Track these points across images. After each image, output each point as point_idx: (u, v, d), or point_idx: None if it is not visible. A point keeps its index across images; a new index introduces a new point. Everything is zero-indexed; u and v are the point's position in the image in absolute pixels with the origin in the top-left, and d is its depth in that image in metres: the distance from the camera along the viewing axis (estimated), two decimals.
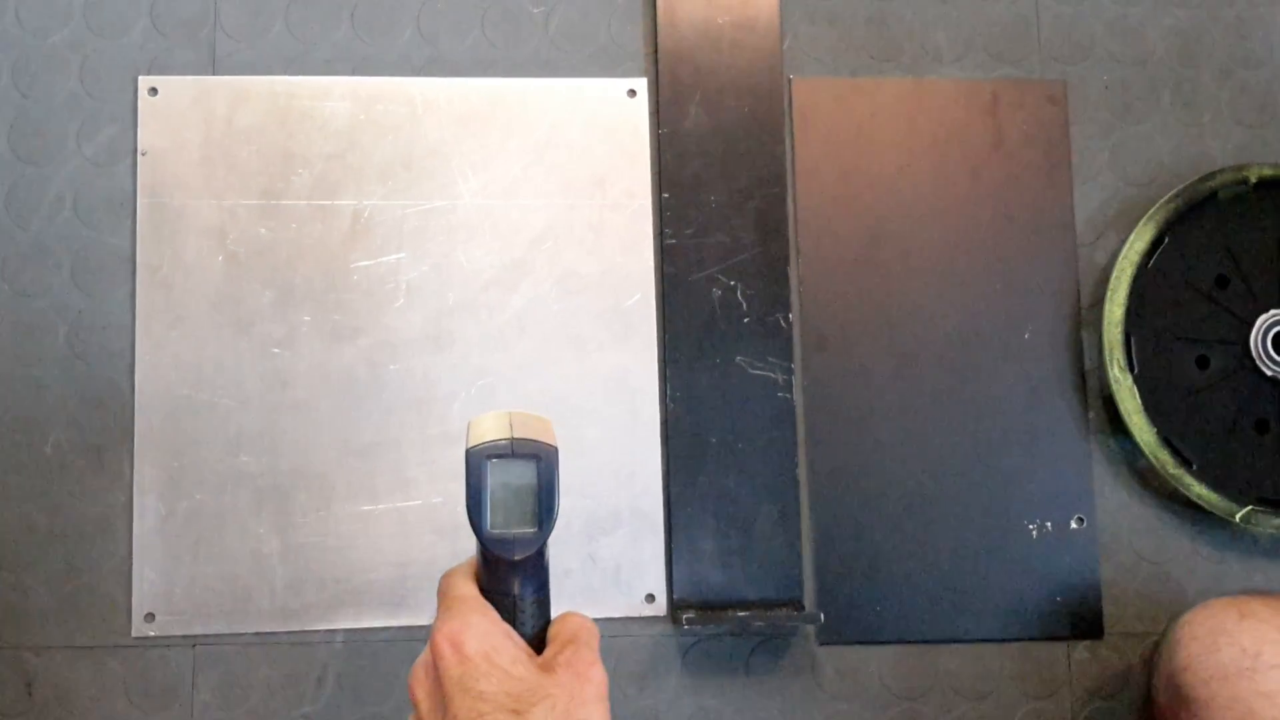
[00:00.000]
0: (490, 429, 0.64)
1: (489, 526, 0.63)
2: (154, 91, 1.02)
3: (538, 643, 0.65)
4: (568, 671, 0.62)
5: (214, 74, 1.03)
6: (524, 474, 0.64)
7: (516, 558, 0.64)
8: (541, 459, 0.64)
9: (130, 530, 0.97)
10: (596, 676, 0.63)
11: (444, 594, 0.65)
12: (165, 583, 0.97)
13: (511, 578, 0.64)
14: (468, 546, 0.93)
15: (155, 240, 1.01)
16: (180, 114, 1.02)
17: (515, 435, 0.64)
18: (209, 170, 1.02)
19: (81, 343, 1.00)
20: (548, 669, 0.63)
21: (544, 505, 0.64)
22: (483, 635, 0.62)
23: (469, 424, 0.65)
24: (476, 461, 0.63)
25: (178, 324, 1.00)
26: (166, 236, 1.01)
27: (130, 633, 0.97)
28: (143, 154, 1.01)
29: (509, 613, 0.65)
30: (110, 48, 1.03)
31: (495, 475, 0.63)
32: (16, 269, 1.00)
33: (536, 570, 0.65)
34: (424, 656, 0.63)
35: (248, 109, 1.02)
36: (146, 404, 0.99)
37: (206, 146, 1.02)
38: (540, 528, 0.64)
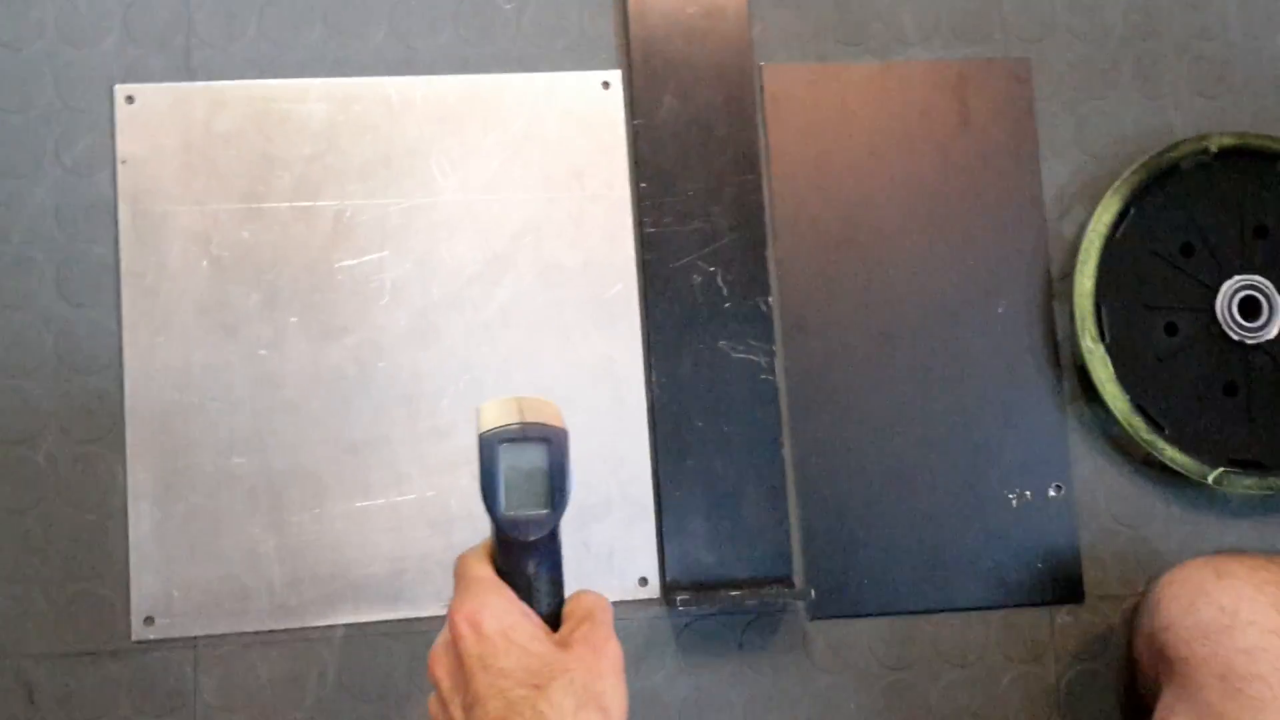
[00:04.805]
0: (500, 414, 0.65)
1: (503, 509, 0.65)
2: (131, 99, 1.03)
3: (553, 620, 0.67)
4: (584, 647, 0.64)
5: (190, 80, 1.04)
6: (535, 457, 0.65)
7: (531, 538, 0.65)
8: (552, 441, 0.65)
9: (126, 535, 0.98)
10: (612, 651, 0.64)
11: (461, 575, 0.66)
12: (163, 585, 0.98)
13: (526, 558, 0.66)
14: (463, 539, 0.94)
15: (139, 247, 1.01)
16: (158, 121, 1.02)
17: (525, 419, 0.65)
18: (189, 176, 1.02)
19: (69, 352, 1.00)
20: (564, 645, 0.64)
21: (556, 487, 0.65)
22: (500, 614, 0.63)
23: (478, 410, 0.66)
24: (489, 446, 0.64)
25: (164, 329, 1.00)
26: (150, 243, 1.01)
27: (130, 637, 0.97)
28: (122, 162, 1.02)
29: (524, 592, 0.66)
30: (85, 58, 1.03)
31: (508, 459, 0.65)
32: (0, 282, 1.00)
33: (550, 550, 0.66)
34: (443, 636, 0.65)
35: (225, 114, 1.03)
36: (137, 410, 0.99)
37: (186, 152, 1.02)
38: (553, 509, 0.65)
